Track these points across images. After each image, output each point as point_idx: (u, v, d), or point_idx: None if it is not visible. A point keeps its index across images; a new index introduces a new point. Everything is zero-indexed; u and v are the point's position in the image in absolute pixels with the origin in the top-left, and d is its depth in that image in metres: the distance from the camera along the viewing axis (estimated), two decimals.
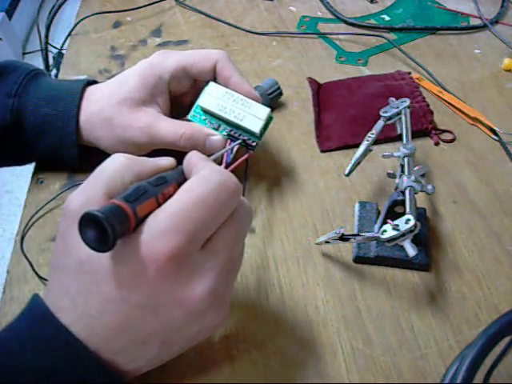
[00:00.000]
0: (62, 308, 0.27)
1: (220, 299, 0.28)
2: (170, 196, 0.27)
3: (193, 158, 0.30)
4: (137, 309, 0.26)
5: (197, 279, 0.26)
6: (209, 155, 0.45)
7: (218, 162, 0.39)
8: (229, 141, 0.41)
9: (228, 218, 0.28)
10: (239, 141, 0.41)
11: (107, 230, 0.23)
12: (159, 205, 0.27)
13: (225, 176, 0.28)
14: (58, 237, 0.28)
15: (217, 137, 0.41)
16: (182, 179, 0.29)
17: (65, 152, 0.43)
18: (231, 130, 0.41)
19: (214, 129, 0.41)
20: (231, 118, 0.40)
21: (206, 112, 0.42)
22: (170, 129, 0.40)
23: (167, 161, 0.31)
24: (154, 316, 0.26)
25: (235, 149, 0.41)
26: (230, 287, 0.30)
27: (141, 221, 0.26)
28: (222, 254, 0.28)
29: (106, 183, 0.28)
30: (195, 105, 0.42)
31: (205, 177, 0.28)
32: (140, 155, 0.43)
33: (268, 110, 0.41)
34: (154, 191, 0.27)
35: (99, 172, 0.29)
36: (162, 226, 0.25)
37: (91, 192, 0.27)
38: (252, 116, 0.40)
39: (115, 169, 0.28)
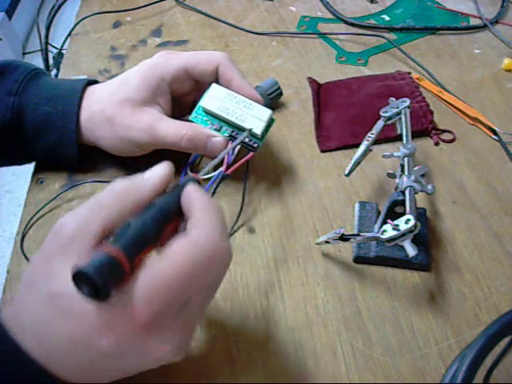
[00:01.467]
0: (24, 332, 0.27)
1: (184, 345, 0.28)
2: (168, 237, 0.27)
3: (191, 198, 0.29)
4: (101, 354, 0.26)
5: (167, 337, 0.27)
6: (211, 157, 0.45)
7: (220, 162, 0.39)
8: (230, 142, 0.41)
9: None
10: (240, 140, 0.41)
11: (100, 289, 0.24)
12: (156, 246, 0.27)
13: (219, 245, 0.27)
14: (41, 254, 0.28)
15: (218, 138, 0.41)
16: (180, 211, 0.29)
17: (65, 151, 0.43)
18: (233, 131, 0.41)
19: (215, 130, 0.41)
20: (233, 119, 0.40)
21: (207, 113, 0.42)
22: (171, 129, 0.40)
23: (164, 182, 0.30)
24: (117, 361, 0.27)
25: (236, 150, 0.41)
26: (193, 331, 0.30)
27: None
28: (194, 313, 0.28)
29: (103, 214, 0.27)
30: (197, 106, 0.42)
31: (198, 246, 0.26)
32: (141, 155, 0.43)
33: (270, 111, 0.41)
34: (153, 237, 0.27)
35: (97, 202, 0.28)
36: (145, 295, 0.25)
37: (86, 221, 0.27)
38: (254, 117, 0.40)
39: (114, 199, 0.28)
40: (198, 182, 0.32)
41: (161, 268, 0.26)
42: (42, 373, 0.26)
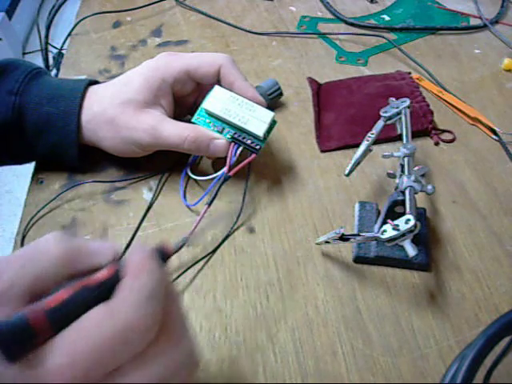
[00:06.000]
0: None
1: None
2: None
3: (128, 260, 0.25)
4: None
5: None
6: (212, 159, 0.45)
7: (223, 163, 0.40)
8: (232, 144, 0.41)
9: (148, 359, 0.24)
10: (242, 145, 0.41)
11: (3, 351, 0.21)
12: None
13: (136, 315, 0.23)
14: None
15: (221, 140, 0.41)
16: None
17: (65, 151, 0.43)
18: (235, 133, 0.41)
19: (218, 131, 0.41)
20: (235, 121, 0.40)
21: (210, 115, 0.42)
22: (174, 131, 0.40)
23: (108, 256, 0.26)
24: None
25: (239, 151, 0.41)
26: None
27: None
28: None
29: (35, 277, 0.24)
30: (200, 108, 0.42)
31: (114, 319, 0.23)
32: (143, 155, 0.43)
33: (272, 113, 0.41)
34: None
35: (30, 260, 0.24)
36: (60, 362, 0.22)
37: (17, 279, 0.23)
38: (256, 119, 0.40)
39: (49, 263, 0.24)
40: (168, 254, 0.27)
41: (75, 337, 0.23)
42: None
